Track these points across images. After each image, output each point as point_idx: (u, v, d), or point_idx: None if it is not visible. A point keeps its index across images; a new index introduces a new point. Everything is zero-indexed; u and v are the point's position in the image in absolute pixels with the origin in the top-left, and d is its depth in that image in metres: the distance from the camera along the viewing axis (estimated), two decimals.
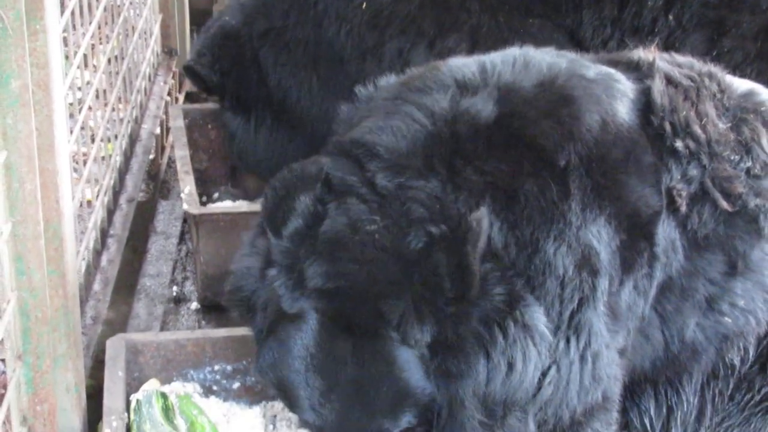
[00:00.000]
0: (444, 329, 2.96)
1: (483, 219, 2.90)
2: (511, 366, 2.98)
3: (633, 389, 3.57)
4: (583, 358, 3.13)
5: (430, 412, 3.09)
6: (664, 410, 3.60)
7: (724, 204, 3.37)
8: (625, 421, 3.62)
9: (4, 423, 3.03)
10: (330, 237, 3.00)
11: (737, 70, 4.23)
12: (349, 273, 2.97)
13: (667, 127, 3.37)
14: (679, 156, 3.35)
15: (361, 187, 3.05)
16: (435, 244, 2.94)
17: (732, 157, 3.42)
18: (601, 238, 3.14)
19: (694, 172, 3.34)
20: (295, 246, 3.04)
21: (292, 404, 3.19)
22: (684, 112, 3.40)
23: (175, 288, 4.56)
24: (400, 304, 2.93)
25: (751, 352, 3.56)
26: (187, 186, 4.41)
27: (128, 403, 3.46)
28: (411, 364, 3.00)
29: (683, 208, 3.32)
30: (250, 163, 4.92)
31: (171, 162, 5.40)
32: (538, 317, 3.02)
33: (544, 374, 3.07)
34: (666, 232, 3.30)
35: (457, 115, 3.18)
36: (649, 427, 3.63)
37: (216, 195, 5.05)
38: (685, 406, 3.60)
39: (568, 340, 3.10)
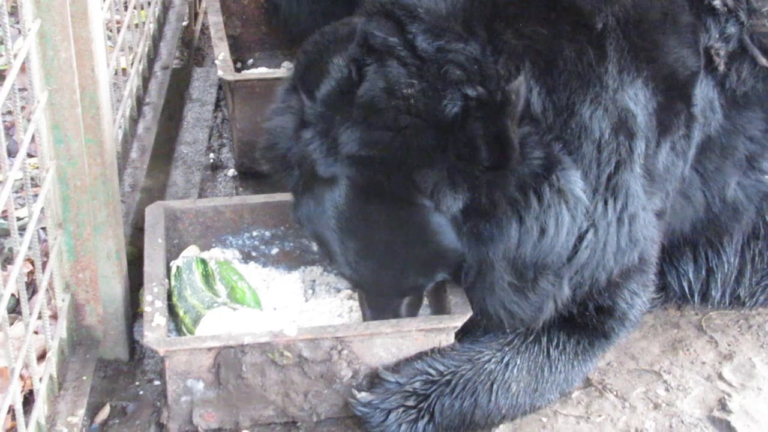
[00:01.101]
0: (478, 195, 2.97)
1: (521, 87, 2.88)
2: (543, 231, 2.99)
3: (672, 252, 3.58)
4: (620, 220, 3.14)
5: (460, 268, 3.12)
6: (704, 272, 3.61)
7: (763, 61, 3.34)
8: (662, 283, 3.64)
9: (47, 290, 3.07)
10: (366, 101, 2.99)
11: None
12: (383, 141, 2.97)
13: None
14: (717, 14, 3.31)
15: (402, 50, 3.02)
16: (471, 111, 2.92)
17: None
18: (638, 100, 3.12)
19: (732, 29, 3.31)
20: (330, 110, 3.04)
21: (329, 258, 3.27)
22: None
23: (211, 155, 4.56)
24: (434, 174, 2.94)
25: None
26: (222, 52, 4.38)
27: (168, 269, 3.49)
28: (443, 227, 3.02)
29: (721, 67, 3.29)
30: (295, 31, 4.88)
31: (204, 28, 5.37)
32: (575, 181, 3.01)
33: (581, 238, 3.09)
34: (704, 92, 3.28)
35: None
36: (687, 290, 3.65)
37: (250, 61, 5.03)
38: (726, 267, 3.61)
39: (606, 203, 3.10)
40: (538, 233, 3.00)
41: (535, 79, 3.03)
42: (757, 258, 3.60)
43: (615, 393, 3.42)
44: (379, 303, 3.30)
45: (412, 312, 3.34)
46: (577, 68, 3.07)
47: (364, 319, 3.35)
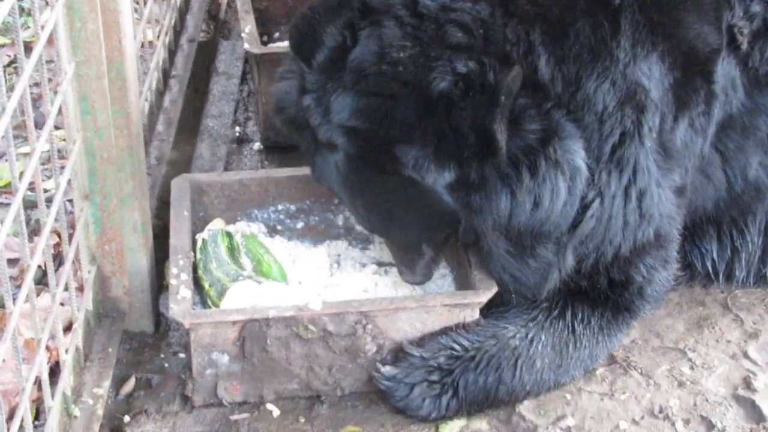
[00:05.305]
0: (467, 171, 2.97)
1: (515, 82, 2.87)
2: (537, 203, 2.99)
3: (695, 232, 3.56)
4: (627, 195, 3.13)
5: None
6: (728, 252, 3.59)
7: None
8: (687, 262, 3.62)
9: (73, 262, 3.08)
10: (356, 66, 3.01)
11: None
12: (369, 110, 2.98)
13: None
14: None
15: (402, 8, 3.01)
16: (456, 97, 2.91)
17: None
18: (651, 75, 3.10)
19: (757, 8, 3.28)
20: (324, 76, 3.06)
21: (347, 208, 3.43)
22: None
23: (237, 128, 4.56)
24: (413, 150, 2.94)
25: None
26: (248, 25, 4.37)
27: (194, 242, 3.49)
28: (436, 194, 3.03)
29: (744, 46, 3.27)
30: None
31: (231, 2, 5.35)
32: (575, 150, 3.01)
33: (586, 207, 3.08)
34: (725, 69, 3.26)
35: None
36: (711, 270, 3.63)
37: (277, 34, 5.01)
38: (750, 246, 3.59)
39: (609, 173, 3.09)
40: (531, 205, 2.99)
41: (544, 46, 3.01)
42: None
43: (639, 370, 3.41)
44: (399, 246, 3.40)
45: (434, 258, 3.41)
46: (589, 41, 3.05)
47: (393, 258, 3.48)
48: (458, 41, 2.96)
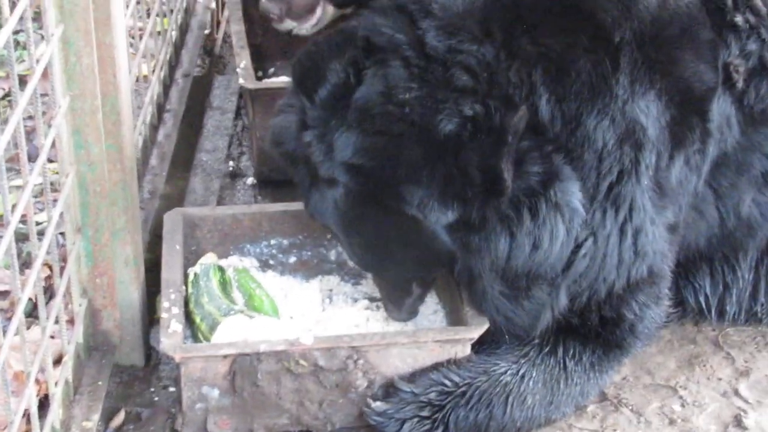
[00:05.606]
0: (469, 211, 2.98)
1: (521, 122, 2.89)
2: (536, 246, 3.01)
3: (688, 268, 3.57)
4: (622, 232, 3.14)
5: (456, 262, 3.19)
6: (720, 288, 3.60)
7: None
8: (679, 298, 3.63)
9: (64, 295, 3.08)
10: (361, 105, 3.01)
11: None
12: (375, 148, 2.99)
13: (728, 0, 3.31)
14: (739, 30, 3.31)
15: (409, 48, 3.02)
16: (465, 138, 2.93)
17: None
18: (649, 113, 3.12)
19: (752, 46, 3.30)
20: (327, 113, 3.06)
21: (340, 244, 3.41)
22: None
23: (231, 163, 4.57)
24: (419, 191, 2.95)
25: None
26: (243, 61, 4.39)
27: (186, 276, 3.49)
28: (436, 233, 3.05)
29: (740, 84, 3.29)
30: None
31: (226, 37, 5.38)
32: (573, 192, 3.02)
33: (578, 246, 3.09)
34: (721, 108, 3.28)
35: None
36: (704, 305, 3.64)
37: (272, 70, 5.03)
38: (741, 282, 3.60)
39: (605, 212, 3.10)
40: (530, 247, 3.01)
41: (545, 86, 3.03)
42: None
43: (630, 408, 3.41)
44: (389, 283, 3.41)
45: (421, 295, 3.43)
46: (590, 78, 3.07)
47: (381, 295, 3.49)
48: (464, 84, 2.97)
